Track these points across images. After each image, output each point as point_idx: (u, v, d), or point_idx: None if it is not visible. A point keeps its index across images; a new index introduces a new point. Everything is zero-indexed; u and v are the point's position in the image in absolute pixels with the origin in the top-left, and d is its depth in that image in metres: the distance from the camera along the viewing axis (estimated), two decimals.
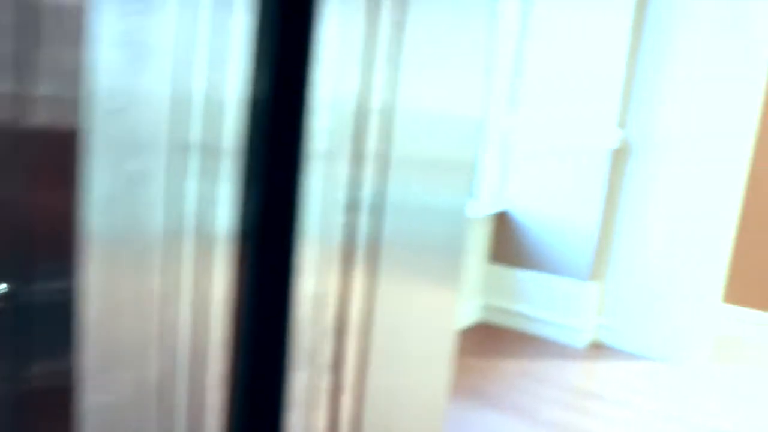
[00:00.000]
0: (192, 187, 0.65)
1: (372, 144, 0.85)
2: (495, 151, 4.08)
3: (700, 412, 3.26)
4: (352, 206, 0.85)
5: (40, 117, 0.49)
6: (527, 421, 3.00)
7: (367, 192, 0.86)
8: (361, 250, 0.89)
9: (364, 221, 0.87)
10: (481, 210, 3.95)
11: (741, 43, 3.52)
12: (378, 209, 0.89)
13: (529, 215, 4.05)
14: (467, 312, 4.11)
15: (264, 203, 0.78)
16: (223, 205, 0.69)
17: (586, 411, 3.17)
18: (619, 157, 3.88)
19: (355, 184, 0.85)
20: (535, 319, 4.07)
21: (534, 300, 4.08)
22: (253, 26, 0.65)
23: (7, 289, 0.53)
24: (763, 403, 3.43)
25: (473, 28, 1.06)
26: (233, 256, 0.72)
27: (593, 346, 3.97)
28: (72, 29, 0.48)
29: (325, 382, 0.90)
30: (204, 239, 0.68)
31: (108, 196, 0.54)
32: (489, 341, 3.91)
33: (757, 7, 3.51)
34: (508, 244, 4.14)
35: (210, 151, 0.65)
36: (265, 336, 0.83)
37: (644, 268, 3.88)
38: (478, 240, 4.10)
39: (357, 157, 0.84)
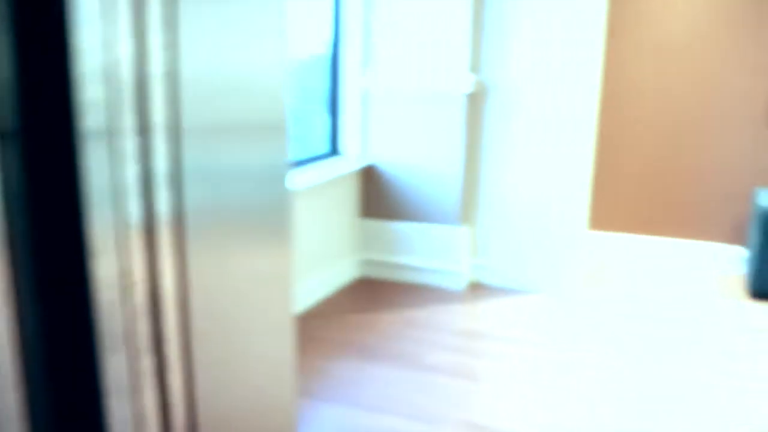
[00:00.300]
0: None
1: (159, 114, 0.80)
2: (355, 108, 4.06)
3: (578, 339, 3.41)
4: (145, 180, 0.80)
5: None
6: (413, 367, 3.05)
7: (161, 164, 0.81)
8: (164, 224, 0.84)
9: (163, 194, 0.82)
10: (346, 167, 3.94)
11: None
12: (177, 180, 0.85)
13: (395, 167, 4.08)
14: (345, 269, 4.12)
15: (41, 189, 0.72)
16: None
17: (470, 351, 3.25)
18: (476, 101, 3.94)
19: (145, 156, 0.80)
20: (413, 268, 4.13)
21: (409, 250, 4.13)
22: None
23: None
24: (634, 320, 3.62)
25: None
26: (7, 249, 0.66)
27: (472, 287, 4.07)
28: None
29: (147, 364, 0.85)
30: None
31: None
32: (369, 295, 3.94)
33: None
34: (377, 197, 4.16)
35: None
36: (66, 325, 0.78)
37: (512, 206, 3.99)
38: (347, 197, 4.09)
39: (143, 129, 0.78)
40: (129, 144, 0.76)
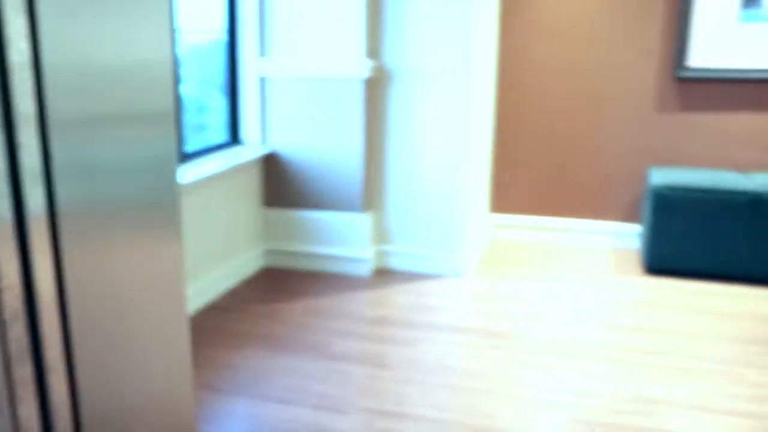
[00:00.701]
0: None
1: (25, 105, 0.74)
2: (253, 95, 3.98)
3: (485, 321, 3.46)
4: (12, 176, 0.74)
5: None
6: (321, 357, 3.03)
7: (29, 158, 0.75)
8: (36, 222, 0.78)
9: (33, 191, 0.76)
10: (247, 155, 3.86)
11: None
12: (47, 175, 0.79)
13: (296, 155, 4.02)
14: (249, 260, 4.05)
15: None
16: None
17: (378, 338, 3.25)
18: (378, 86, 3.93)
19: (11, 151, 0.74)
20: (318, 256, 4.09)
21: (314, 238, 4.09)
22: None
23: None
24: (536, 299, 3.70)
25: None
26: None
27: (378, 274, 4.08)
28: None
29: (25, 371, 0.79)
30: None
31: None
32: (274, 286, 3.88)
33: None
34: (279, 186, 4.10)
35: None
36: None
37: (416, 191, 4.01)
38: (248, 186, 4.01)
39: (8, 122, 0.72)
40: None
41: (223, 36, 3.92)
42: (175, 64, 1.07)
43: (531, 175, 4.69)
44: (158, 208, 1.02)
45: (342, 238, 4.04)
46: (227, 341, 3.17)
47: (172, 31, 1.02)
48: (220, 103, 3.99)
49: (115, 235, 0.93)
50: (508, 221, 4.79)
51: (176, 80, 1.09)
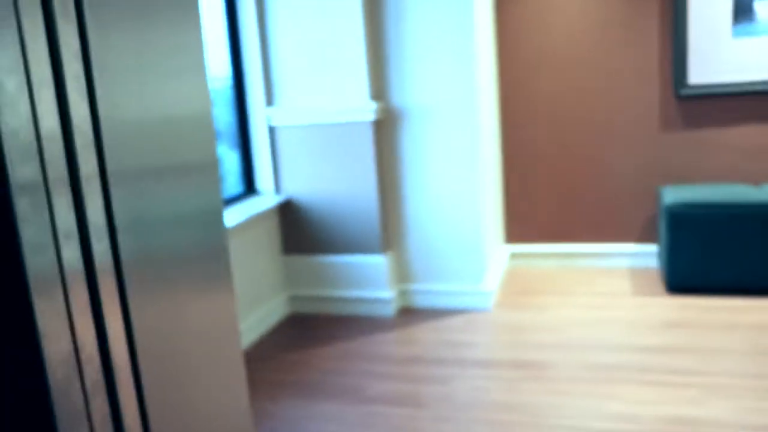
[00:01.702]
0: None
1: (87, 164, 0.78)
2: (263, 143, 4.04)
3: (513, 353, 3.46)
4: (80, 234, 0.77)
5: None
6: (357, 401, 3.03)
7: (93, 215, 0.78)
8: (104, 281, 0.81)
9: (99, 247, 0.80)
10: (263, 204, 3.90)
11: (459, 15, 3.73)
12: (110, 231, 0.82)
13: (311, 201, 4.06)
14: (274, 308, 4.06)
15: None
16: None
17: (410, 377, 3.25)
18: (386, 127, 3.98)
19: (76, 210, 0.77)
20: (341, 300, 4.11)
21: (336, 282, 4.11)
22: None
23: None
24: (562, 330, 3.71)
25: (179, 36, 1.01)
26: None
27: (402, 313, 4.09)
28: None
29: None
30: None
31: None
32: (301, 332, 3.90)
33: None
34: (297, 233, 4.13)
35: None
36: (23, 415, 0.74)
37: (433, 228, 4.04)
38: (267, 235, 4.05)
39: (72, 180, 0.76)
40: (60, 200, 0.73)
41: (230, 87, 3.98)
42: (213, 115, 1.13)
43: (543, 202, 4.73)
44: (210, 256, 1.05)
45: (363, 280, 4.06)
46: (262, 391, 3.18)
47: (209, 81, 1.07)
48: (230, 153, 4.04)
49: (172, 287, 0.96)
50: (524, 250, 4.81)
51: (215, 131, 1.15)
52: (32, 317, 0.69)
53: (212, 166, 1.09)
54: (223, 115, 3.99)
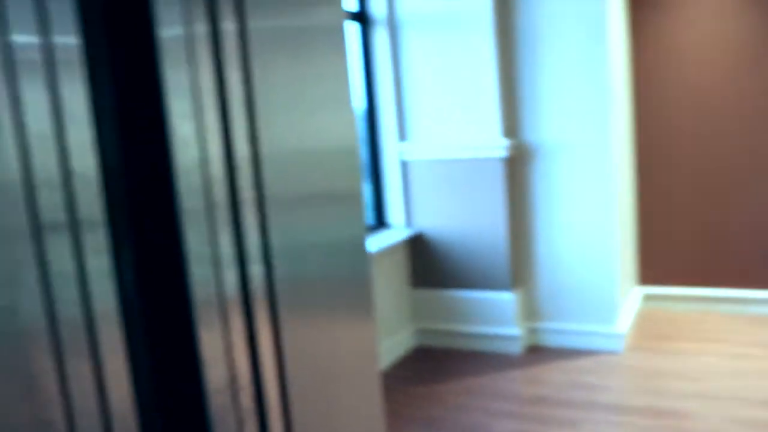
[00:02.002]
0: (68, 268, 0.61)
1: (247, 193, 0.83)
2: (395, 179, 4.10)
3: (646, 397, 3.33)
4: (239, 259, 0.82)
5: None
6: None
7: (252, 242, 0.83)
8: (260, 309, 0.85)
9: (256, 272, 0.84)
10: (394, 237, 3.96)
11: (594, 50, 3.67)
12: (266, 257, 0.86)
13: (440, 236, 4.09)
14: (401, 340, 4.09)
15: (145, 281, 0.75)
16: (103, 283, 0.65)
17: (537, 417, 3.19)
18: (519, 163, 3.96)
19: (237, 238, 0.82)
20: (468, 335, 4.09)
21: (463, 317, 4.10)
22: (93, 96, 0.63)
23: None
24: (700, 374, 3.53)
25: (328, 69, 1.06)
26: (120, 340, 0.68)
27: (529, 351, 4.02)
28: None
29: None
30: (102, 328, 0.64)
31: None
32: (427, 365, 3.90)
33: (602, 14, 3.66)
34: (426, 267, 4.16)
35: (78, 227, 0.62)
36: None
37: (563, 267, 3.96)
38: (397, 267, 4.10)
39: (233, 215, 0.81)
40: (222, 227, 0.78)
41: (363, 120, 4.09)
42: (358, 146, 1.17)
43: (681, 243, 4.54)
44: (355, 283, 1.08)
45: (491, 316, 4.03)
46: (389, 423, 3.20)
47: (354, 115, 1.11)
48: (364, 186, 4.13)
49: (319, 313, 1.00)
50: (658, 292, 4.63)
51: (360, 162, 1.19)
52: (195, 347, 0.74)
53: (357, 195, 1.13)
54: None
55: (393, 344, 4.01)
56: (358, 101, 4.05)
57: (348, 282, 1.07)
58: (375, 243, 3.82)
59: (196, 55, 0.73)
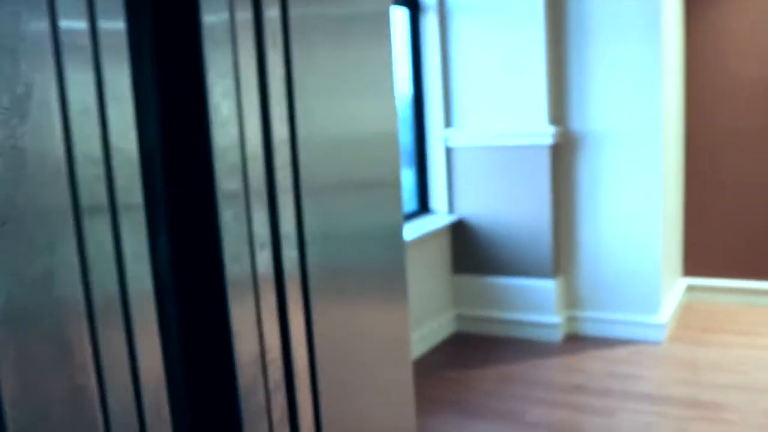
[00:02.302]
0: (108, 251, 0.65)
1: (284, 178, 0.86)
2: (440, 165, 4.12)
3: (685, 388, 3.31)
4: (273, 243, 0.85)
5: None
6: (514, 425, 3.02)
7: (286, 226, 0.86)
8: (291, 288, 0.88)
9: (289, 255, 0.87)
10: (436, 223, 3.98)
11: (647, 40, 3.62)
12: (300, 239, 0.89)
13: (483, 222, 4.09)
14: (440, 325, 4.12)
15: (182, 259, 0.78)
16: (140, 263, 0.69)
17: (572, 405, 3.19)
18: (565, 151, 3.94)
19: (271, 222, 0.85)
20: (508, 322, 4.10)
21: (503, 304, 4.11)
22: (134, 79, 0.66)
23: None
24: (743, 367, 3.49)
25: (371, 55, 1.08)
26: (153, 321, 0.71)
27: (568, 339, 4.01)
28: None
29: None
30: (135, 301, 0.68)
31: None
32: (465, 351, 3.92)
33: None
34: (468, 252, 4.17)
35: (119, 209, 0.65)
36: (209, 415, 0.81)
37: (607, 256, 3.94)
38: (438, 253, 4.12)
39: (268, 196, 0.84)
40: (258, 209, 0.81)
41: (410, 106, 4.10)
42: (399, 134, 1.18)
43: (727, 235, 4.46)
44: (389, 271, 1.10)
45: (531, 303, 4.03)
46: (422, 406, 3.24)
47: (396, 102, 1.11)
48: (406, 171, 4.15)
49: (351, 297, 1.02)
50: (702, 284, 4.56)
51: (400, 149, 1.20)
52: (227, 320, 0.77)
53: (396, 183, 1.13)
54: (402, 134, 4.12)
55: (432, 329, 4.04)
56: (405, 87, 4.07)
57: (382, 269, 1.09)
58: (417, 228, 3.85)
59: (238, 40, 0.76)
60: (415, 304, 3.89)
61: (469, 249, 4.16)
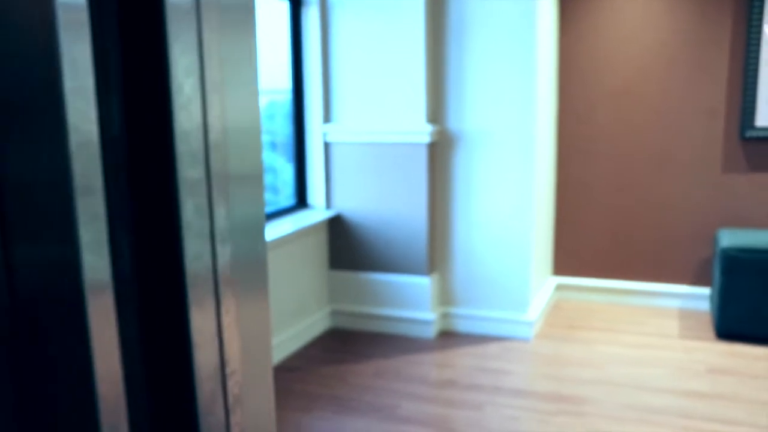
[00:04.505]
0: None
1: (218, 167, 0.81)
2: (318, 160, 4.09)
3: (549, 383, 3.41)
4: (213, 235, 0.79)
5: None
6: (387, 420, 3.03)
7: (221, 217, 0.81)
8: (226, 289, 0.83)
9: (223, 249, 0.81)
10: (314, 218, 3.95)
11: (522, 41, 3.73)
12: (228, 234, 0.84)
13: (360, 219, 4.09)
14: (315, 321, 4.09)
15: (139, 250, 0.72)
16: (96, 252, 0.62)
17: (443, 399, 3.23)
18: (442, 150, 3.99)
19: (214, 210, 0.80)
20: (383, 318, 4.12)
21: (379, 300, 4.12)
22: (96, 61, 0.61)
23: None
24: (602, 363, 3.64)
25: (238, 47, 1.05)
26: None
27: (442, 335, 4.07)
28: None
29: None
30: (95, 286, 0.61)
31: None
32: (340, 347, 3.91)
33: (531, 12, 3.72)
34: (345, 248, 4.16)
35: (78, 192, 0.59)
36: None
37: (480, 254, 4.02)
38: (315, 248, 4.09)
39: (209, 181, 0.79)
40: (203, 199, 0.75)
41: (290, 101, 4.05)
42: (261, 123, 1.16)
43: (595, 236, 4.66)
44: (252, 268, 1.07)
45: (406, 300, 4.06)
46: (296, 402, 3.20)
47: (259, 90, 1.09)
48: (284, 165, 4.10)
49: (244, 296, 0.99)
50: (571, 283, 4.74)
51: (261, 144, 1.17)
52: (187, 327, 0.69)
53: (257, 177, 1.11)
54: (283, 128, 4.06)
55: (308, 325, 4.00)
56: (285, 81, 4.01)
57: (251, 264, 1.05)
58: (295, 223, 3.80)
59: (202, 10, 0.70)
60: (291, 300, 3.84)
61: (346, 245, 4.15)
